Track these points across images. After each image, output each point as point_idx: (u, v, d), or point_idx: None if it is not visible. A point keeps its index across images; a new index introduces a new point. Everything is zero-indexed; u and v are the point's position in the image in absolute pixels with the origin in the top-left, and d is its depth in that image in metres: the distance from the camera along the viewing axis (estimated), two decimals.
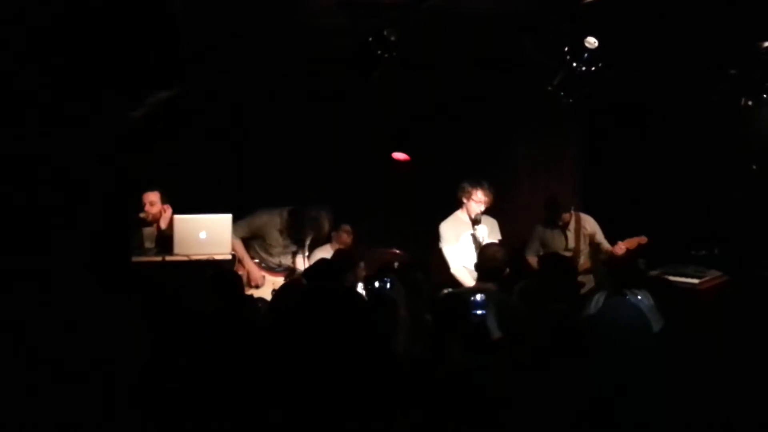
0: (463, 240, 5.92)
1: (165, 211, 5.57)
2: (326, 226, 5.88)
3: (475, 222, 5.77)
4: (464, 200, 5.93)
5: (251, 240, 5.88)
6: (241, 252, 5.76)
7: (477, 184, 5.86)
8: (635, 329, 3.72)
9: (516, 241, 6.19)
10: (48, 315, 3.01)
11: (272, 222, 5.83)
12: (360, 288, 4.74)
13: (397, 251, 6.14)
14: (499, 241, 5.83)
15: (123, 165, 4.25)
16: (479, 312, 3.69)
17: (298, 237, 5.83)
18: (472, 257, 5.81)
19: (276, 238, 5.86)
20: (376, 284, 4.25)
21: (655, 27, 5.46)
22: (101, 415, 2.69)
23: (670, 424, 3.48)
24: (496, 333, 3.91)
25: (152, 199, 5.55)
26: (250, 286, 5.78)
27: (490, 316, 3.82)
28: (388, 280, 4.24)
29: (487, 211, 5.93)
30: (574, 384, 3.46)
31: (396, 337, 4.05)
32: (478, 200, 5.83)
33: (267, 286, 5.77)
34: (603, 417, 3.38)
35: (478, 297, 3.71)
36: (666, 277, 5.53)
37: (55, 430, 2.55)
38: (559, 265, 4.68)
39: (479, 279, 5.03)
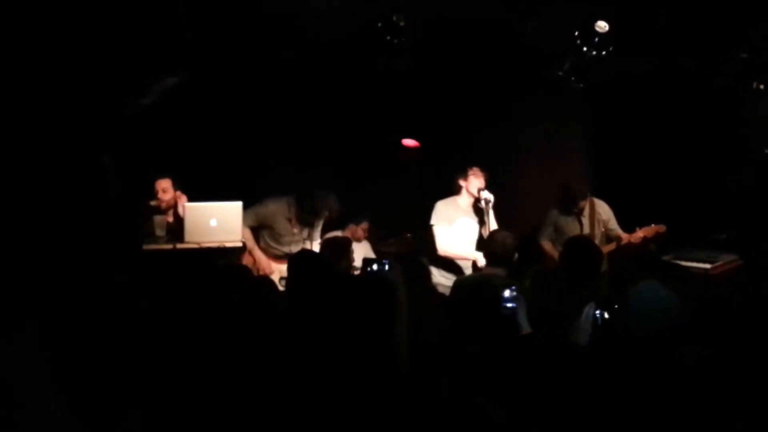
0: (457, 225, 5.89)
1: (179, 198, 5.54)
2: (335, 206, 5.82)
3: (481, 200, 5.71)
4: (462, 182, 5.90)
5: (260, 229, 5.82)
6: (250, 240, 5.71)
7: (470, 167, 5.86)
8: (659, 319, 3.58)
9: (526, 228, 6.16)
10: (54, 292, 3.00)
11: (280, 211, 5.77)
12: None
13: (409, 234, 6.10)
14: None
15: (134, 153, 4.22)
16: (510, 305, 3.64)
17: (309, 220, 5.80)
18: (466, 244, 5.81)
19: (284, 226, 5.81)
20: (374, 267, 4.16)
21: (662, 12, 5.42)
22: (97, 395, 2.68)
23: (679, 410, 3.43)
24: (526, 328, 3.85)
25: (164, 186, 5.53)
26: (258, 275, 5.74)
27: (521, 311, 3.75)
28: (387, 262, 4.12)
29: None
30: (592, 374, 3.42)
31: (395, 320, 3.99)
32: (476, 176, 5.80)
33: (275, 274, 5.72)
34: (623, 407, 3.33)
35: (507, 292, 3.65)
36: (678, 262, 5.49)
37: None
38: (586, 251, 4.47)
39: (488, 265, 5.01)
